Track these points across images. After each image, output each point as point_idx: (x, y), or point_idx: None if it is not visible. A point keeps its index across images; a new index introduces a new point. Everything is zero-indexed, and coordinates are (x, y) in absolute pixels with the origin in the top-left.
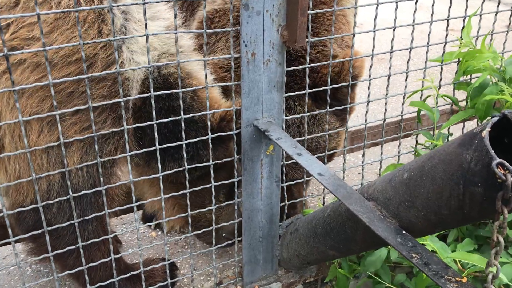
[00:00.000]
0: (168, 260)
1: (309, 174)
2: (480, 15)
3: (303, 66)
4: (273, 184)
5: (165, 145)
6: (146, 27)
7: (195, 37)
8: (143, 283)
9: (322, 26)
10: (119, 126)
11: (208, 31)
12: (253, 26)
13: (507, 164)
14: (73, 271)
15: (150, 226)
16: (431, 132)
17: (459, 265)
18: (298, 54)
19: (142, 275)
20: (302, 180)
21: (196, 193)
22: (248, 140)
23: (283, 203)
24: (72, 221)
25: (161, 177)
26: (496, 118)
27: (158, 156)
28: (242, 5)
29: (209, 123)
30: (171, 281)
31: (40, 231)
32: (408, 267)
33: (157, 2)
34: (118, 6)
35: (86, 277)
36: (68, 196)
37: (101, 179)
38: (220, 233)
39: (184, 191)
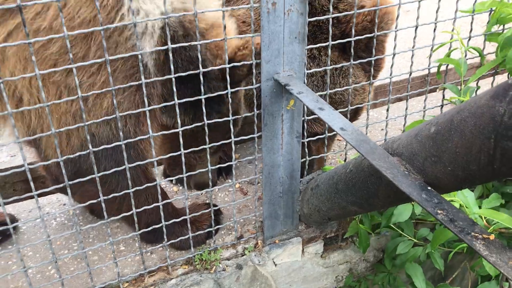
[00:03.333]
0: (214, 206)
1: (331, 129)
2: None
3: (327, 17)
4: (294, 140)
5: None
6: None
7: None
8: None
9: None
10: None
11: None
12: None
13: None
14: (119, 216)
15: (171, 181)
16: (458, 87)
17: (485, 222)
18: (324, 8)
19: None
20: (323, 136)
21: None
22: (268, 95)
23: (304, 159)
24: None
25: (180, 133)
26: None
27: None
28: None
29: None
30: (216, 227)
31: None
32: (431, 223)
33: None
34: None
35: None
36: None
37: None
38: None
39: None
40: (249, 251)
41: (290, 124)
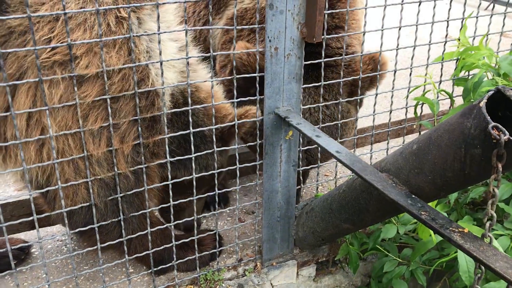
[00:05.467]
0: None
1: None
2: (477, 17)
3: (318, 61)
4: (291, 168)
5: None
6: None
7: (223, 33)
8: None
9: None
10: (154, 135)
11: (238, 27)
12: (276, 23)
13: (500, 126)
14: (133, 256)
15: None
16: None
17: None
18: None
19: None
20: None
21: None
22: (270, 127)
23: (299, 186)
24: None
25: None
26: (491, 92)
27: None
28: (268, 4)
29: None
30: (220, 248)
31: (87, 227)
32: (413, 246)
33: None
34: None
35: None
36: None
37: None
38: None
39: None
40: (249, 272)
41: (287, 153)
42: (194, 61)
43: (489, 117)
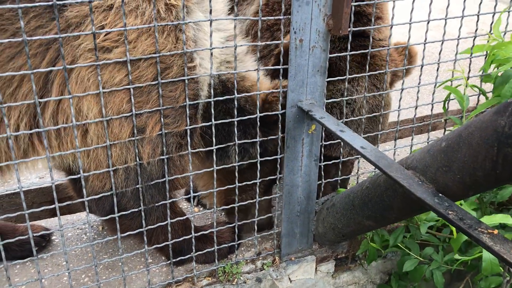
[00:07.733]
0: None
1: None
2: (509, 12)
3: (341, 54)
4: (312, 163)
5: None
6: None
7: (250, 24)
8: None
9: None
10: (190, 122)
11: (263, 18)
12: (302, 14)
13: None
14: (152, 247)
15: (189, 200)
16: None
17: None
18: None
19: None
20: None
21: (240, 181)
22: (292, 120)
23: (320, 181)
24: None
25: (215, 171)
26: None
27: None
28: None
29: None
30: (239, 241)
31: (115, 215)
32: (435, 245)
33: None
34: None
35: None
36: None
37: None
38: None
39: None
40: (267, 266)
41: (309, 148)
42: (242, 52)
43: None
